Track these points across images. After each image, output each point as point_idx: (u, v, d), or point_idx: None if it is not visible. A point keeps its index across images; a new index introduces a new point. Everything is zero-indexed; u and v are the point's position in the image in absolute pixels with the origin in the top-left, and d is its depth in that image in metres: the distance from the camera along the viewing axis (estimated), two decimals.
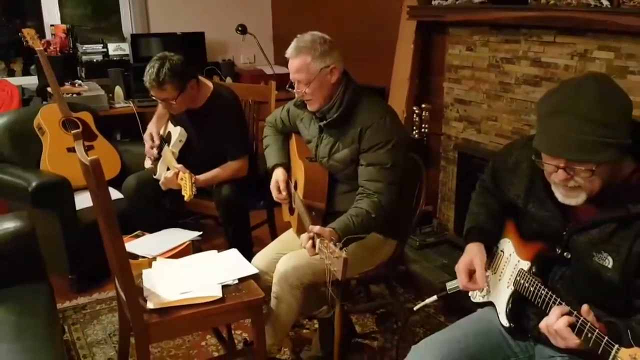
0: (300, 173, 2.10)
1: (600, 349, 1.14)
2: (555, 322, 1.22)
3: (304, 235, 1.79)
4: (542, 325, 1.26)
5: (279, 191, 2.18)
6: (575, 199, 1.30)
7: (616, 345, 1.11)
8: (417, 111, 3.12)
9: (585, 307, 1.21)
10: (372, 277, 2.24)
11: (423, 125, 3.10)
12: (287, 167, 2.25)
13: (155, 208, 2.74)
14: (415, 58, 3.17)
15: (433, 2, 2.98)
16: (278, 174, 2.21)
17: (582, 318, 1.19)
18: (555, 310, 1.25)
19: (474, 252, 1.56)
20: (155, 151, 2.77)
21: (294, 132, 2.29)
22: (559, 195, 1.33)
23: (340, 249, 1.61)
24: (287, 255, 2.05)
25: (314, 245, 1.76)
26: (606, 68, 2.30)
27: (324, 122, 2.04)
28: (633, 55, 2.20)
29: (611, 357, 1.11)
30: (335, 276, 1.66)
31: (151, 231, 2.50)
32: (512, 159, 1.56)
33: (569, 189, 1.29)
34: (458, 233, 3.18)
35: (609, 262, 1.29)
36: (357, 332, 2.52)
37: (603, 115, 1.21)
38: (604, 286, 1.31)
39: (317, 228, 1.77)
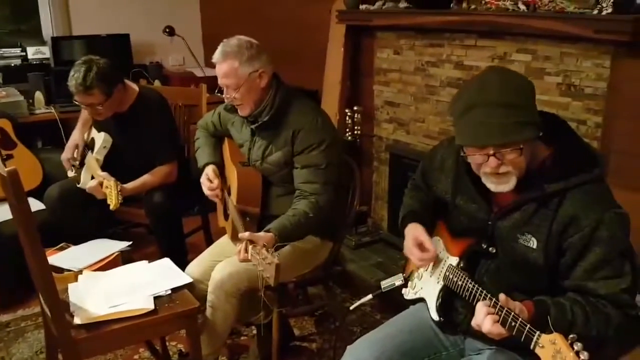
0: (234, 178, 2.08)
1: (523, 336, 1.20)
2: (483, 322, 1.26)
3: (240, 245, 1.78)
4: (474, 324, 1.30)
5: (210, 182, 2.13)
6: (507, 185, 1.35)
7: (537, 332, 1.16)
8: (349, 113, 3.16)
9: (502, 297, 1.25)
10: (309, 280, 2.25)
11: (356, 127, 3.14)
12: (219, 167, 2.22)
13: (80, 218, 2.62)
14: (345, 61, 3.21)
15: (361, 7, 3.03)
16: (209, 169, 2.17)
17: (505, 309, 1.23)
18: (481, 309, 1.28)
19: (414, 229, 1.59)
20: (77, 161, 2.66)
21: (226, 135, 2.26)
22: (491, 185, 1.38)
23: (272, 254, 1.61)
24: (223, 262, 2.02)
25: (246, 251, 1.74)
26: (524, 70, 2.41)
27: (256, 125, 2.03)
28: (549, 57, 2.32)
29: (533, 343, 1.17)
30: (268, 282, 1.65)
31: (77, 242, 2.40)
32: (439, 158, 1.62)
33: (499, 176, 1.34)
34: (392, 231, 3.26)
35: (533, 243, 1.36)
36: (296, 335, 2.52)
37: (514, 98, 1.28)
38: (529, 269, 1.38)
39: (246, 234, 1.76)
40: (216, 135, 2.31)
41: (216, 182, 2.12)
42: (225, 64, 1.92)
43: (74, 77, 2.38)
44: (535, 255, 1.36)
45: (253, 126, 2.04)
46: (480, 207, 1.47)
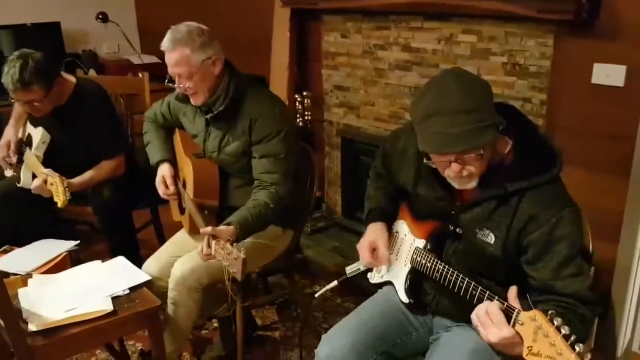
0: (189, 171, 2.01)
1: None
2: (487, 306, 1.22)
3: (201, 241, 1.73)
4: (473, 315, 1.26)
5: (166, 187, 2.08)
6: (471, 183, 1.38)
7: (516, 309, 1.18)
8: (299, 99, 3.13)
9: (512, 292, 1.23)
10: (272, 270, 2.22)
11: (306, 113, 3.12)
12: (173, 163, 2.15)
13: (22, 218, 2.47)
14: (292, 46, 3.17)
15: None
16: (164, 170, 2.11)
17: (506, 304, 1.21)
18: (486, 301, 1.26)
19: (376, 232, 1.61)
20: (14, 158, 2.50)
21: (177, 126, 2.19)
22: (455, 184, 1.39)
23: (238, 248, 1.57)
24: (183, 257, 1.96)
25: (209, 246, 1.70)
26: (470, 50, 2.46)
27: (210, 115, 1.97)
28: (494, 37, 2.37)
29: (512, 321, 1.18)
30: (234, 277, 1.62)
31: (21, 245, 2.27)
32: (401, 144, 1.61)
33: (463, 177, 1.36)
34: (346, 216, 3.28)
35: (490, 239, 1.38)
36: (258, 325, 2.50)
37: (472, 103, 1.27)
38: (488, 260, 1.41)
39: (209, 229, 1.71)
40: (166, 127, 2.23)
41: (172, 188, 2.07)
42: (176, 52, 1.84)
43: (10, 74, 2.22)
44: (492, 249, 1.39)
45: (208, 116, 1.98)
46: (443, 197, 1.49)
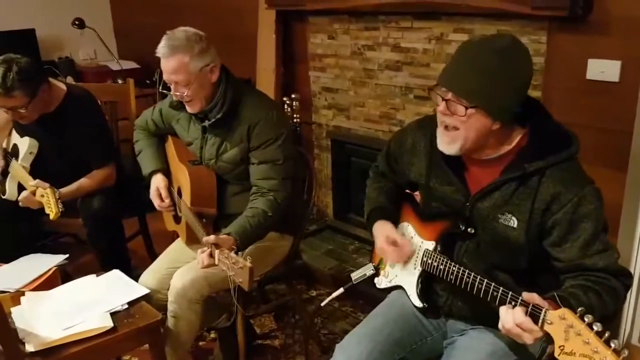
0: (184, 178, 1.95)
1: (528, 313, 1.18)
2: (513, 318, 1.20)
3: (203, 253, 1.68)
4: (501, 326, 1.23)
5: (162, 199, 2.02)
6: (451, 146, 1.37)
7: (543, 309, 1.15)
8: (287, 102, 3.09)
9: (525, 294, 1.21)
10: (272, 277, 2.17)
11: (295, 116, 3.08)
12: (166, 172, 2.09)
13: (9, 233, 2.38)
14: (278, 48, 3.13)
15: None
16: (158, 181, 2.04)
17: (531, 306, 1.18)
18: (507, 311, 1.23)
19: (385, 228, 1.57)
20: None
21: (170, 133, 2.13)
22: (440, 141, 1.39)
23: (245, 257, 1.52)
24: (182, 268, 1.90)
25: (212, 256, 1.64)
26: None
27: (208, 122, 1.91)
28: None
29: (540, 321, 1.15)
30: (241, 287, 1.57)
31: (7, 261, 2.18)
32: (409, 141, 1.59)
33: (446, 132, 1.36)
34: (337, 218, 3.24)
35: (513, 222, 1.36)
36: (257, 334, 2.45)
37: (498, 67, 1.27)
38: (510, 248, 1.38)
39: (212, 238, 1.65)
40: (157, 134, 2.17)
41: (167, 201, 2.02)
42: (174, 59, 1.77)
43: None
44: (515, 234, 1.36)
45: (205, 124, 1.92)
46: (457, 188, 1.46)
